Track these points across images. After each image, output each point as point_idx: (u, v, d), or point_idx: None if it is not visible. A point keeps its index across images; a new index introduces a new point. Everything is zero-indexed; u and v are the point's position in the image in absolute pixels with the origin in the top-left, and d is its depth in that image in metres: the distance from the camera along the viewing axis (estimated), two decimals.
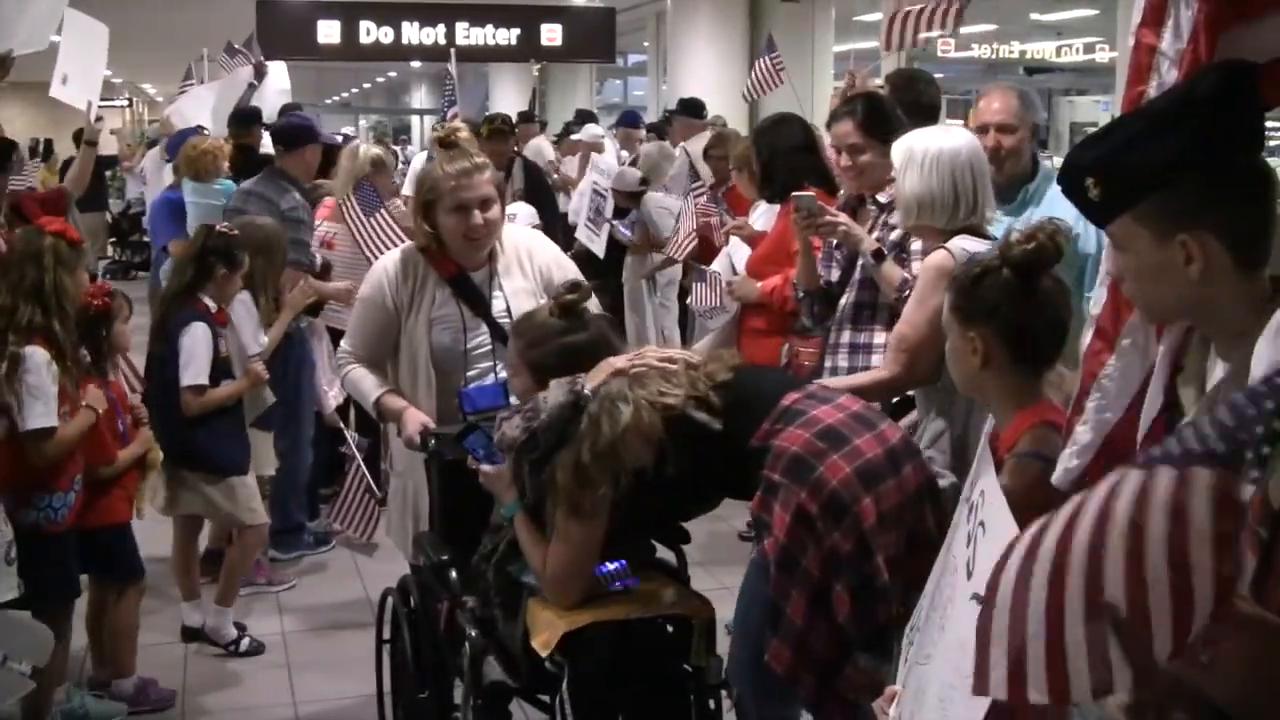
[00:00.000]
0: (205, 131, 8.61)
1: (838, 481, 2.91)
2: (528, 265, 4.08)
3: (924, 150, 3.80)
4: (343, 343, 4.17)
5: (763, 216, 6.00)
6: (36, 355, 4.12)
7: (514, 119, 10.76)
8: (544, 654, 3.11)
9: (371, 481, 5.55)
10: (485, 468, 3.38)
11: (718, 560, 5.76)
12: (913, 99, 5.14)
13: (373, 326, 4.03)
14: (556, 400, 3.10)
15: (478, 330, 3.98)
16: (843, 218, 4.27)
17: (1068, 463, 2.31)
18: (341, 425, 6.51)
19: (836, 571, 2.92)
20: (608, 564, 3.23)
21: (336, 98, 38.01)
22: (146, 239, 12.85)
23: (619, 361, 3.17)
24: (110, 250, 17.28)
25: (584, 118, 13.55)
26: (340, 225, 6.44)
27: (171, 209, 7.57)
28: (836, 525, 2.90)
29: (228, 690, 4.98)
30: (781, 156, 5.49)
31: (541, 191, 8.84)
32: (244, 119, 9.11)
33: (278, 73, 11.68)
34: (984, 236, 3.78)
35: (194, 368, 4.99)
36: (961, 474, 3.64)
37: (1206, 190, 1.88)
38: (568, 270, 4.15)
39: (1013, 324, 2.61)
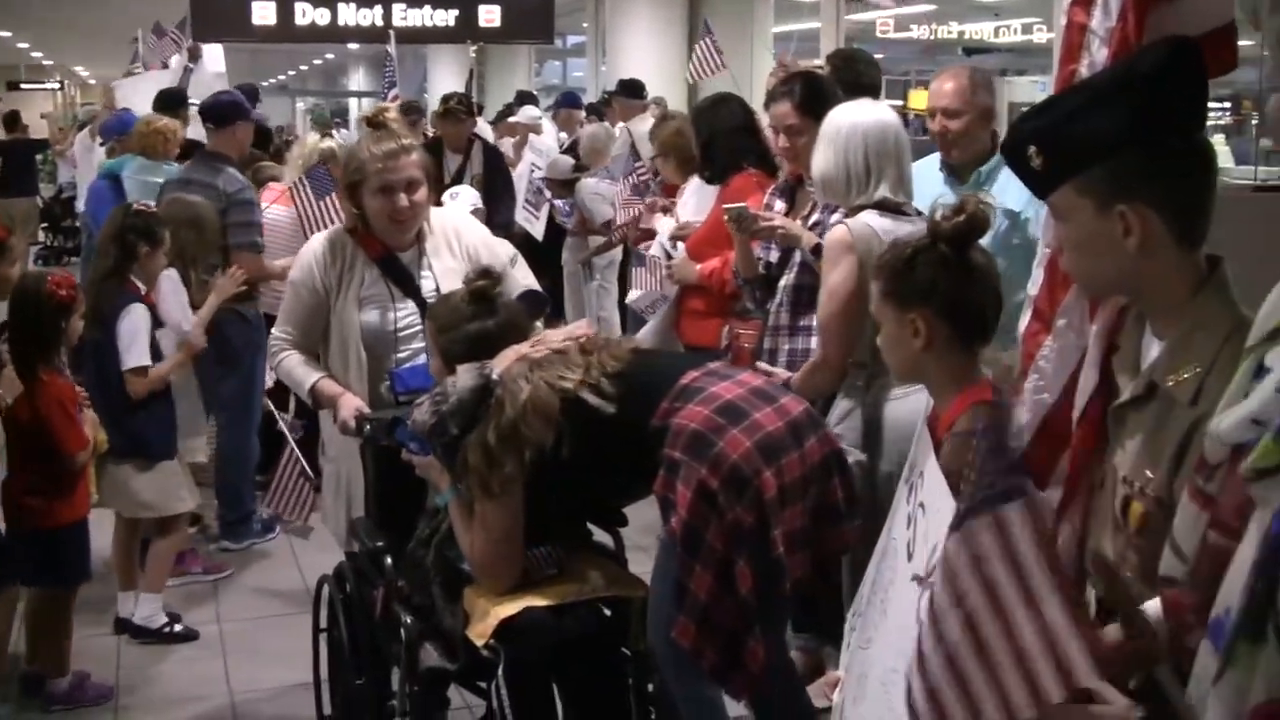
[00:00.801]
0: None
1: (738, 456, 2.93)
2: (456, 245, 4.06)
3: (828, 126, 3.86)
4: (274, 329, 4.12)
5: (692, 197, 5.98)
6: None
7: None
8: (479, 643, 3.09)
9: (305, 464, 5.50)
10: (418, 459, 3.36)
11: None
12: (853, 79, 5.15)
13: (303, 309, 3.99)
14: (465, 385, 3.11)
15: (407, 310, 3.95)
16: (778, 220, 4.27)
17: None
18: (273, 407, 6.42)
19: (739, 546, 2.94)
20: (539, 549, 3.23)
21: (273, 80, 37.66)
22: (79, 224, 12.67)
23: (523, 347, 3.18)
24: (42, 235, 17.02)
25: (524, 99, 13.45)
26: (287, 209, 6.37)
27: (117, 193, 7.39)
28: (738, 500, 2.92)
29: (163, 680, 4.91)
30: (721, 137, 5.46)
31: (500, 176, 8.65)
32: (169, 102, 8.96)
33: (213, 56, 11.54)
34: (900, 212, 3.79)
35: (136, 349, 4.95)
36: (870, 451, 3.68)
37: (1147, 163, 1.88)
38: (496, 251, 4.13)
39: (952, 300, 2.57)
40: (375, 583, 3.61)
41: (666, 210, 6.13)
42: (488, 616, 3.11)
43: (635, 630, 3.27)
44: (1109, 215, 1.89)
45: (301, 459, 5.55)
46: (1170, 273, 1.91)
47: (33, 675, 4.67)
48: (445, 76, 23.41)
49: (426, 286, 3.96)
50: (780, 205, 4.51)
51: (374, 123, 4.04)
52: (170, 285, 5.34)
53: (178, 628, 5.22)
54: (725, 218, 4.31)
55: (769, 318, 4.38)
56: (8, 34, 25.88)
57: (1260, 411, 1.28)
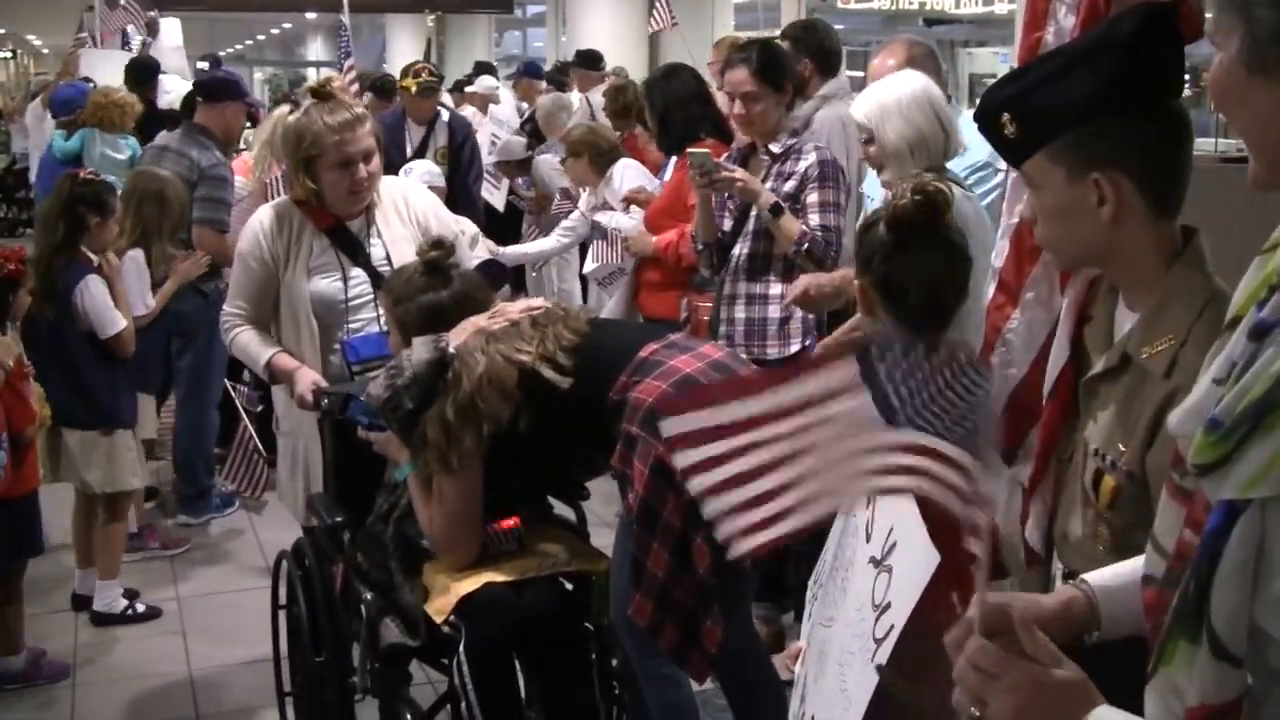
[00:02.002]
0: (92, 84, 8.38)
1: None
2: (405, 212, 4.03)
3: (897, 97, 3.67)
4: (225, 305, 4.05)
5: (622, 183, 6.01)
6: None
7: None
8: (439, 620, 3.06)
9: (258, 441, 5.46)
10: (374, 435, 3.33)
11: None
12: (817, 45, 5.18)
13: (252, 282, 3.94)
14: (420, 357, 3.08)
15: (357, 280, 3.91)
16: (739, 173, 4.24)
17: None
18: (227, 381, 6.34)
19: (697, 523, 2.90)
20: (503, 522, 3.20)
21: (230, 50, 37.27)
22: (33, 195, 12.54)
23: (480, 320, 3.14)
24: None
25: (482, 69, 13.34)
26: (245, 181, 6.29)
27: (69, 166, 7.28)
28: None
29: (121, 657, 4.86)
30: (676, 107, 5.43)
31: (468, 149, 8.28)
32: (142, 73, 8.84)
33: (170, 29, 11.47)
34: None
35: (108, 317, 4.91)
36: None
37: (1122, 130, 1.85)
38: (445, 220, 4.11)
39: (883, 279, 2.57)
40: (334, 559, 3.58)
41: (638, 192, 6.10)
42: (447, 592, 3.08)
43: (598, 605, 3.25)
44: (1083, 183, 1.87)
45: (254, 434, 5.50)
46: (1144, 243, 1.89)
47: None
48: (404, 47, 23.25)
49: (376, 255, 3.93)
50: None
51: (321, 94, 3.97)
52: (134, 268, 5.27)
53: (139, 607, 5.15)
54: (689, 164, 4.28)
55: (722, 287, 4.37)
56: None
57: (1202, 404, 1.26)
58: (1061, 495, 2.05)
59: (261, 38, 39.01)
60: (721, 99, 5.23)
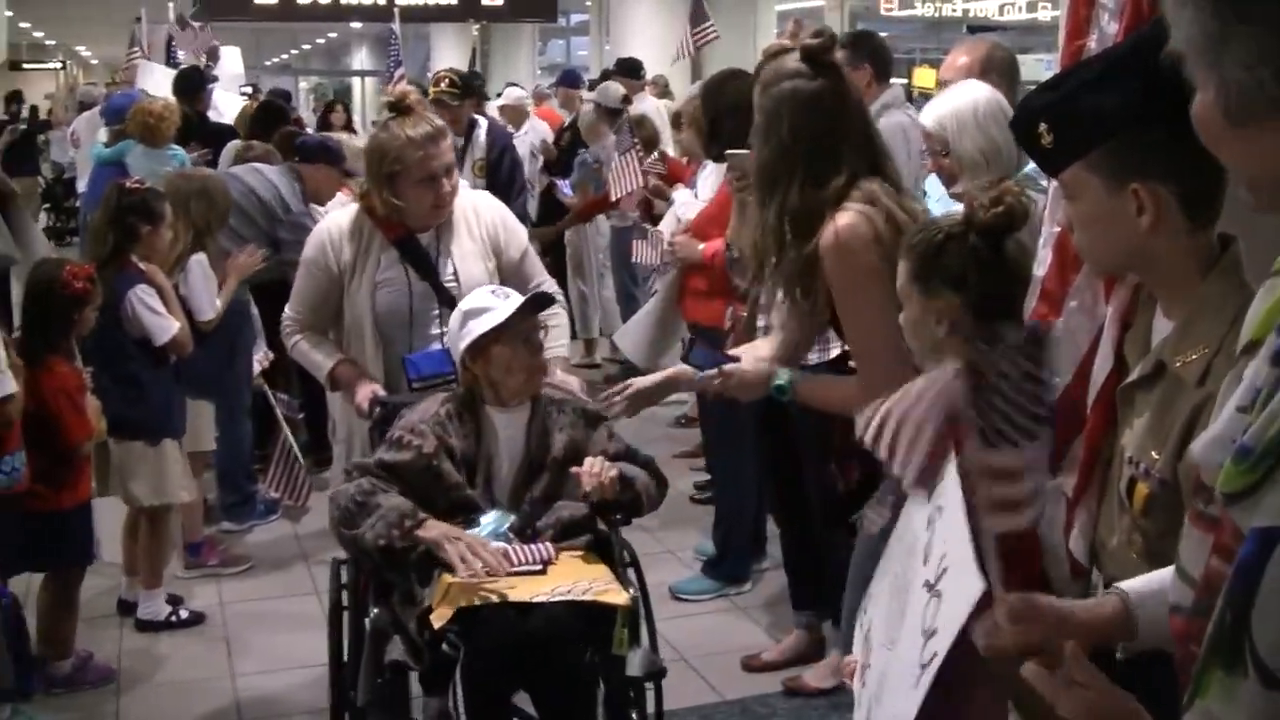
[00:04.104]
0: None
1: None
2: (475, 226, 4.00)
3: (972, 106, 3.66)
4: (287, 309, 4.06)
5: (713, 175, 5.94)
6: None
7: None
8: (438, 625, 3.00)
9: (295, 446, 5.46)
10: (728, 370, 3.33)
11: (664, 523, 5.71)
12: (872, 50, 5.31)
13: (316, 289, 3.95)
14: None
15: (424, 295, 3.89)
16: None
17: None
18: (265, 388, 6.35)
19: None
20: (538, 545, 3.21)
21: (275, 60, 37.55)
22: (80, 204, 12.68)
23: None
24: (43, 216, 16.97)
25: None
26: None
27: (110, 172, 7.34)
28: None
29: (166, 662, 4.91)
30: (727, 115, 5.41)
31: (507, 161, 8.08)
32: (189, 84, 8.89)
33: (231, 57, 11.62)
34: None
35: (160, 323, 4.94)
36: None
37: (1161, 140, 1.82)
38: (514, 231, 4.09)
39: (981, 292, 2.48)
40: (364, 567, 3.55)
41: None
42: (452, 602, 3.03)
43: (619, 636, 3.14)
44: (1121, 193, 1.85)
45: (291, 439, 5.50)
46: (1181, 252, 1.87)
47: (35, 658, 4.63)
48: (448, 55, 23.34)
49: (445, 271, 3.91)
50: None
51: (400, 108, 3.90)
52: (200, 271, 5.30)
53: (183, 613, 5.20)
54: (728, 164, 4.29)
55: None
56: (9, 13, 25.81)
57: (1227, 432, 1.24)
58: (1103, 504, 2.03)
59: (307, 47, 39.27)
60: None
